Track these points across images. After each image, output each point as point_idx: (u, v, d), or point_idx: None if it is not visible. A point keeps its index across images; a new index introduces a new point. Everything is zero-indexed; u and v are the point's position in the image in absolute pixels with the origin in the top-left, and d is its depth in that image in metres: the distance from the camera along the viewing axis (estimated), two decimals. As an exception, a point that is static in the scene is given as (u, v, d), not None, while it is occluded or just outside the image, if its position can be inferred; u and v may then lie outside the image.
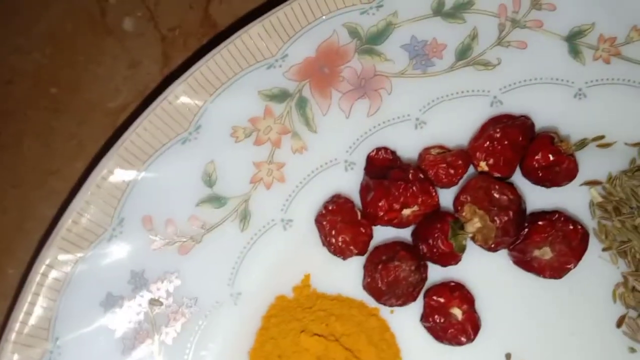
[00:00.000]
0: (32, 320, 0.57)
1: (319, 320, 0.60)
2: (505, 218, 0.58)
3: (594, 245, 0.62)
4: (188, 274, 0.60)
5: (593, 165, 0.63)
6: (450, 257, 0.60)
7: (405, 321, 0.61)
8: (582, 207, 0.63)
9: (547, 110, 0.63)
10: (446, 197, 0.62)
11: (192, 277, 0.60)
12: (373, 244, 0.62)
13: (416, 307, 0.61)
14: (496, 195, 0.59)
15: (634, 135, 0.63)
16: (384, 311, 0.61)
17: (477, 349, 0.60)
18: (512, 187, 0.60)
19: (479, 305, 0.61)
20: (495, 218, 0.58)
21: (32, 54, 0.67)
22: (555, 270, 0.60)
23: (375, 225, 0.61)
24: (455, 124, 0.63)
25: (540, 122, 0.63)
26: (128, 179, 0.59)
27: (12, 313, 0.57)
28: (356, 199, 0.62)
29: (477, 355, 0.61)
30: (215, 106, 0.61)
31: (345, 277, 0.62)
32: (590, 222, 0.63)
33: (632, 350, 0.61)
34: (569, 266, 0.60)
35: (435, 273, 0.61)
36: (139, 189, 0.59)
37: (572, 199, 0.63)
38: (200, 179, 0.61)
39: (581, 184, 0.63)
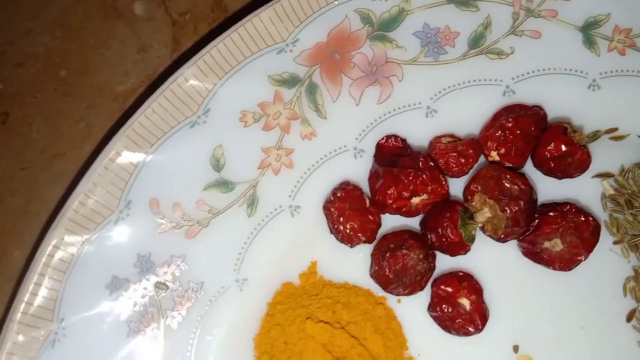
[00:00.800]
0: (38, 301, 0.56)
1: (325, 307, 0.59)
2: (516, 208, 0.57)
3: (605, 239, 0.61)
4: (195, 259, 0.60)
5: (606, 157, 0.62)
6: (460, 247, 0.59)
7: (412, 311, 0.61)
8: (594, 200, 0.62)
9: (560, 101, 0.63)
10: (456, 187, 0.62)
11: (198, 261, 0.60)
12: (381, 232, 0.61)
13: (424, 297, 0.60)
14: (507, 186, 0.58)
15: (649, 129, 0.62)
16: (391, 300, 0.61)
17: (485, 340, 0.60)
18: (523, 178, 0.59)
19: (488, 296, 0.60)
20: (506, 208, 0.58)
21: (42, 37, 0.67)
22: (566, 262, 0.59)
23: (384, 213, 0.61)
24: (467, 113, 0.63)
25: (553, 112, 0.62)
26: (136, 161, 0.59)
27: (18, 293, 0.57)
28: (365, 186, 0.62)
29: (484, 346, 0.60)
30: (225, 90, 0.60)
31: (352, 265, 0.61)
32: (602, 215, 0.62)
33: (643, 345, 0.60)
34: (579, 258, 0.59)
35: (444, 263, 0.61)
36: (147, 172, 0.59)
37: (584, 191, 0.62)
38: (208, 163, 0.60)
39: (593, 177, 0.62)
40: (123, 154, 0.58)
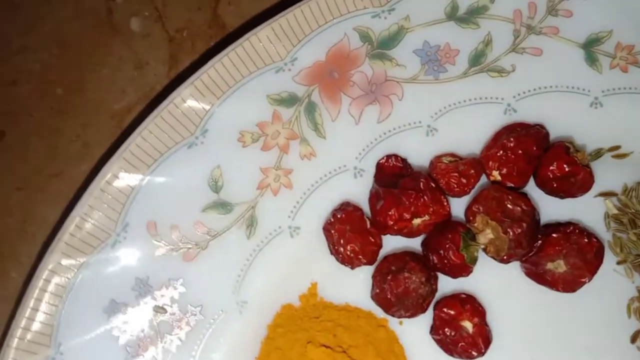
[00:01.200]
0: (34, 327, 0.56)
1: (326, 330, 0.59)
2: (519, 230, 0.57)
3: (609, 258, 0.60)
4: (193, 281, 0.59)
5: (608, 175, 0.62)
6: (462, 269, 0.58)
7: (414, 333, 0.60)
8: (597, 219, 0.61)
9: (562, 119, 0.62)
10: (458, 206, 0.61)
11: (197, 284, 0.60)
12: (382, 253, 0.61)
13: (426, 319, 0.60)
14: (509, 206, 0.58)
15: (652, 146, 0.62)
16: (393, 322, 0.60)
17: (488, 363, 0.59)
18: (525, 198, 0.58)
19: (491, 318, 0.60)
20: (508, 230, 0.57)
21: (37, 54, 0.66)
22: (569, 284, 0.58)
23: (384, 234, 0.60)
24: (467, 132, 0.62)
25: (555, 131, 0.62)
26: (133, 183, 0.58)
27: (14, 319, 0.56)
28: (365, 206, 0.61)
29: (487, 368, 0.60)
30: (223, 110, 0.60)
31: (353, 286, 0.61)
32: (605, 234, 0.61)
33: (648, 366, 0.60)
34: (583, 280, 0.58)
35: (446, 284, 0.60)
36: (144, 194, 0.58)
37: (587, 210, 0.61)
38: (206, 184, 0.60)
39: (596, 195, 0.61)
40: (120, 176, 0.58)
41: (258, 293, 0.60)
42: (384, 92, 0.62)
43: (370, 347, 0.58)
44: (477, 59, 0.62)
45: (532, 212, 0.58)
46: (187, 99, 0.59)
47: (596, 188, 0.61)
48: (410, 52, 0.62)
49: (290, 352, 0.58)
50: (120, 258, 0.58)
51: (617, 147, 0.62)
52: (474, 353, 0.58)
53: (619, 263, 0.60)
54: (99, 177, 0.57)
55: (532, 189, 0.61)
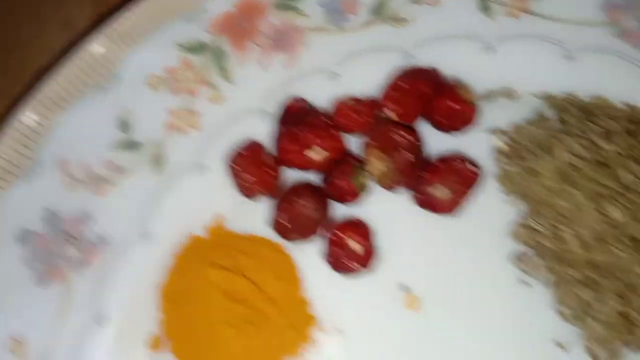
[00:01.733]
0: (-52, 254, 0.59)
1: (227, 256, 0.62)
2: (405, 160, 0.61)
3: (495, 189, 0.64)
4: (102, 215, 0.62)
5: (499, 115, 0.65)
6: (351, 196, 0.62)
7: (308, 256, 0.63)
8: (485, 153, 0.65)
9: (457, 64, 0.65)
10: (355, 144, 0.65)
11: (106, 218, 0.62)
12: (283, 187, 0.64)
13: (319, 243, 0.63)
14: (397, 139, 0.61)
15: (541, 88, 0.65)
16: (290, 247, 0.63)
17: (375, 281, 0.62)
18: (412, 132, 0.62)
19: (379, 241, 0.63)
20: (396, 160, 0.61)
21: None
22: (450, 207, 0.62)
23: (284, 167, 0.64)
24: (368, 77, 0.65)
25: (451, 74, 0.65)
26: (45, 123, 0.61)
27: None
28: (270, 145, 0.65)
29: (375, 287, 0.62)
30: (134, 57, 0.63)
31: (255, 217, 0.64)
32: (492, 168, 0.64)
33: (524, 283, 0.63)
34: (461, 201, 0.62)
35: (340, 212, 0.64)
36: (55, 133, 0.61)
37: (477, 145, 0.64)
38: (116, 125, 0.63)
39: (486, 131, 0.65)
40: (32, 116, 0.61)
41: (166, 226, 0.63)
42: (290, 41, 0.65)
43: (267, 270, 0.61)
44: (377, 10, 0.65)
45: (417, 144, 0.62)
46: (99, 46, 0.62)
47: (486, 125, 0.65)
48: (314, 3, 0.65)
49: (193, 278, 0.61)
50: (33, 192, 0.61)
51: (509, 89, 0.65)
52: (357, 266, 0.61)
53: (504, 193, 0.64)
54: (11, 117, 0.61)
55: (424, 127, 0.65)
